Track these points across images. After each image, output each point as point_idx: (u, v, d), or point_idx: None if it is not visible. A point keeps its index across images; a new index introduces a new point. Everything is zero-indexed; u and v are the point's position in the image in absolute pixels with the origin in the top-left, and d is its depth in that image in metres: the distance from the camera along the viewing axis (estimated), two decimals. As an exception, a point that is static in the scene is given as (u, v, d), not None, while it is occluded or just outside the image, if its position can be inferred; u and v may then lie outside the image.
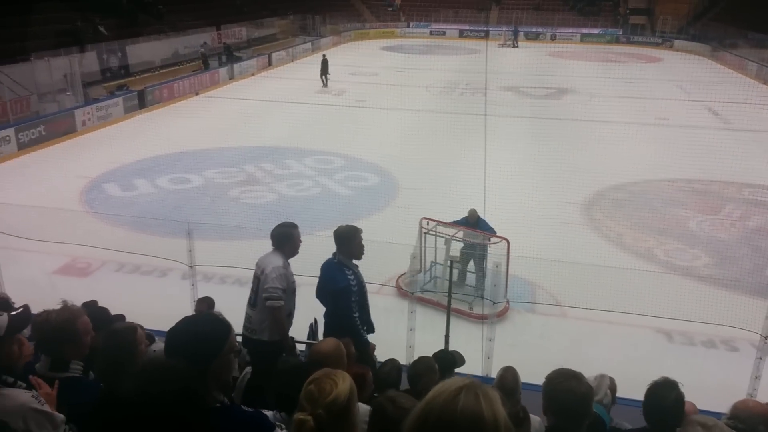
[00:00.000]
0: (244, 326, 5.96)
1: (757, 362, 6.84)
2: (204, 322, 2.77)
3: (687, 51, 43.24)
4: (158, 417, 1.94)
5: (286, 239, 5.85)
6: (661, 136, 20.31)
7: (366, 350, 5.91)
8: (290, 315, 5.96)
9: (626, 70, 36.13)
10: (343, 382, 2.36)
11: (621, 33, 50.14)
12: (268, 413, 3.09)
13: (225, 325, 2.69)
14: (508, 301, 9.59)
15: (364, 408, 3.54)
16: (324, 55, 30.19)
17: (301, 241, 5.99)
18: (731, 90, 25.46)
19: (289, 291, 5.83)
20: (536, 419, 4.07)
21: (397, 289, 10.43)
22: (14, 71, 19.68)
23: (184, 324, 2.63)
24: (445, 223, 10.32)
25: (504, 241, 9.56)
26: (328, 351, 3.71)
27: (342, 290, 5.76)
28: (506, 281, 9.32)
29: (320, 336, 6.49)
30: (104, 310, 5.23)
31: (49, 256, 10.71)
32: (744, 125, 21.04)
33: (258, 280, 5.83)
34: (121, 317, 5.28)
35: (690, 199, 14.79)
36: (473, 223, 10.15)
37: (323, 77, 29.20)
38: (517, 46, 46.07)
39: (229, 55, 32.35)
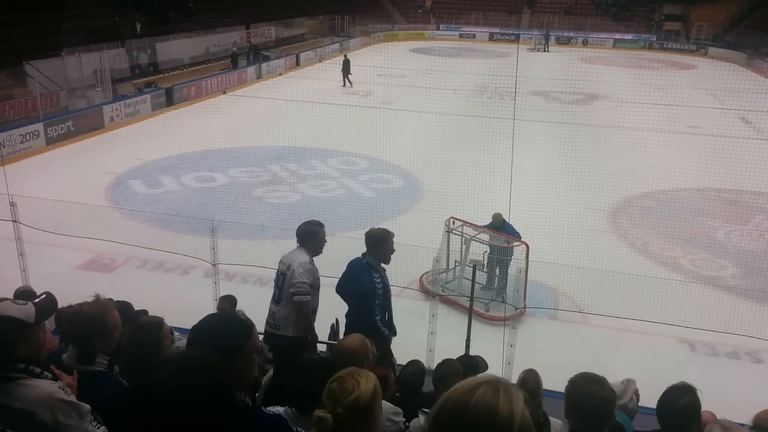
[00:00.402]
0: (267, 322, 6.01)
1: (782, 374, 6.70)
2: (227, 320, 2.76)
3: (722, 59, 42.49)
4: (191, 410, 1.92)
5: (310, 236, 5.91)
6: (692, 144, 19.99)
7: (389, 355, 5.93)
8: (314, 311, 6.00)
9: (659, 76, 35.66)
10: (367, 383, 2.33)
11: (655, 39, 49.45)
12: (280, 409, 3.08)
13: (248, 325, 2.68)
14: (525, 306, 9.51)
15: (387, 405, 3.53)
16: (346, 56, 30.59)
17: (326, 241, 6.05)
18: (765, 99, 24.96)
19: (315, 287, 5.89)
20: (557, 422, 4.04)
21: (420, 286, 10.40)
22: (45, 66, 20.01)
23: (207, 322, 2.62)
24: (471, 224, 10.27)
25: (523, 246, 9.48)
26: (354, 346, 3.69)
27: (368, 292, 5.81)
28: (525, 286, 9.24)
29: (341, 336, 6.49)
30: (127, 305, 5.27)
31: (74, 251, 10.87)
32: (777, 135, 20.62)
33: (283, 276, 5.87)
34: (144, 312, 5.32)
35: (719, 209, 14.53)
36: (498, 227, 10.09)
37: (345, 78, 29.35)
38: (548, 51, 45.69)
39: (256, 54, 32.57)
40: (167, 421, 1.89)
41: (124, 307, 5.10)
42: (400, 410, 3.69)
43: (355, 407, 2.25)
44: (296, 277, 5.71)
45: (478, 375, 1.54)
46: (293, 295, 5.70)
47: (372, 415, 2.33)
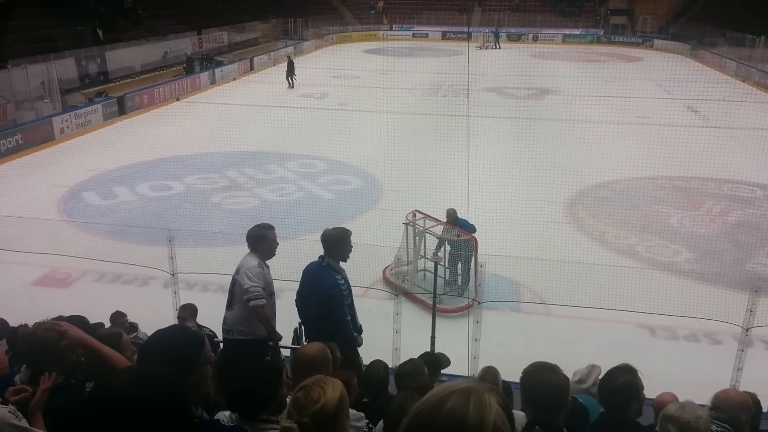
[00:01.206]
0: (222, 328, 5.98)
1: (739, 354, 6.91)
2: (177, 335, 2.71)
3: (667, 50, 43.65)
4: (146, 421, 1.88)
5: (258, 240, 5.87)
6: (642, 134, 20.47)
7: (356, 355, 5.88)
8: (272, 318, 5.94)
9: (607, 70, 36.40)
10: (333, 390, 2.33)
11: (602, 33, 50.53)
12: (226, 413, 3.05)
13: (199, 338, 2.64)
14: (474, 299, 9.64)
15: (353, 413, 3.51)
16: (289, 56, 31.62)
17: (277, 243, 6.00)
18: (710, 88, 25.71)
19: (267, 291, 5.83)
20: (520, 414, 4.07)
21: (383, 278, 10.43)
22: (-10, 79, 19.44)
23: (157, 338, 2.57)
24: (433, 218, 10.38)
25: (472, 239, 9.64)
26: (313, 354, 3.66)
27: (335, 295, 5.70)
28: (476, 278, 9.37)
29: (305, 341, 6.45)
30: (82, 319, 5.15)
31: (28, 267, 10.58)
32: (722, 122, 21.24)
33: (234, 282, 5.83)
34: (101, 325, 5.22)
35: (671, 196, 14.90)
36: (451, 222, 10.22)
37: (289, 78, 29.92)
38: (500, 47, 46.20)
39: (209, 61, 32.18)
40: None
41: (79, 321, 4.99)
42: (362, 414, 3.68)
43: (321, 416, 2.24)
44: (246, 283, 5.67)
45: (454, 382, 1.49)
46: (248, 301, 5.66)
47: (339, 422, 2.32)
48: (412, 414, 1.46)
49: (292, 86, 29.60)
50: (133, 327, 7.32)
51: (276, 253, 6.03)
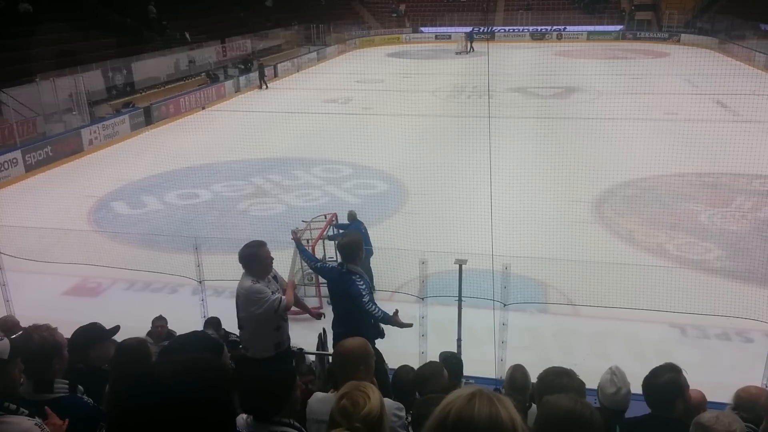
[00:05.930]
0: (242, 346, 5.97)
1: (771, 352, 6.77)
2: (196, 342, 2.74)
3: (694, 45, 42.91)
4: (190, 417, 1.87)
5: (253, 260, 5.55)
6: (670, 130, 20.16)
7: (381, 361, 5.89)
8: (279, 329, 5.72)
9: (633, 66, 35.99)
10: (374, 393, 2.41)
11: (627, 29, 49.89)
12: (243, 416, 3.07)
13: (217, 345, 2.67)
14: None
15: (390, 402, 3.55)
16: (260, 61, 34.07)
17: (272, 258, 5.69)
18: (739, 82, 25.25)
19: (272, 290, 5.58)
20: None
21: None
22: (20, 93, 19.78)
23: (176, 345, 2.61)
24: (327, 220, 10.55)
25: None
26: (355, 346, 3.63)
27: (357, 298, 5.70)
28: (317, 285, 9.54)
29: (329, 346, 6.47)
30: (96, 325, 4.88)
31: (60, 278, 10.78)
32: (753, 117, 20.84)
33: (238, 308, 5.70)
34: (116, 328, 4.99)
35: (700, 193, 14.65)
36: (346, 225, 10.24)
37: (261, 81, 31.87)
38: (472, 50, 43.15)
39: (247, 69, 33.21)
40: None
41: (94, 329, 4.69)
42: (403, 406, 3.71)
43: (371, 419, 2.32)
44: (256, 308, 5.40)
45: (461, 388, 1.62)
46: (273, 313, 5.49)
47: (384, 424, 2.41)
48: (440, 417, 1.55)
49: (266, 87, 31.88)
50: (171, 335, 7.36)
51: (272, 268, 5.70)
